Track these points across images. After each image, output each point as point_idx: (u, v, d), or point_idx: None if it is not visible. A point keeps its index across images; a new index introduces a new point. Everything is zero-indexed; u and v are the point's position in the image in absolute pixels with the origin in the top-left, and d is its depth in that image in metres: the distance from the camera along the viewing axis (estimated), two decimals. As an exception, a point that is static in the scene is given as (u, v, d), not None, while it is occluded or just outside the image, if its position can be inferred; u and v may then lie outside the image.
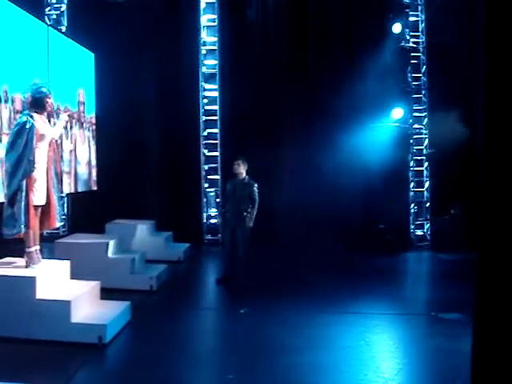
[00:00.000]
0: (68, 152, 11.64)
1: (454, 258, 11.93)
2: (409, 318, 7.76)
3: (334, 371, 5.69)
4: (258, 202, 9.21)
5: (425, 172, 13.74)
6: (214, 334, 7.54)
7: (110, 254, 9.05)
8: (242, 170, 9.31)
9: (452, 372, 5.53)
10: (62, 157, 10.88)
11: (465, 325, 6.99)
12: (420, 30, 13.62)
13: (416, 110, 13.68)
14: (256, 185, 9.25)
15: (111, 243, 9.14)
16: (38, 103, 6.67)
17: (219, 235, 13.52)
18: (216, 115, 13.90)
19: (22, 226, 6.39)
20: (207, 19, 13.81)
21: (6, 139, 7.83)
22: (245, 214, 9.11)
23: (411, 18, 13.60)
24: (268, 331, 6.96)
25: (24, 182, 6.38)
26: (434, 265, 12.59)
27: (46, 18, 12.16)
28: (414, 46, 13.60)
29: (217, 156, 13.87)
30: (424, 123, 13.70)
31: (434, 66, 13.24)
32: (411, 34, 13.59)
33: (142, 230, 11.36)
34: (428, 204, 13.72)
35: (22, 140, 6.35)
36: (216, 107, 13.90)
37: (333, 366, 5.80)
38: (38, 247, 6.75)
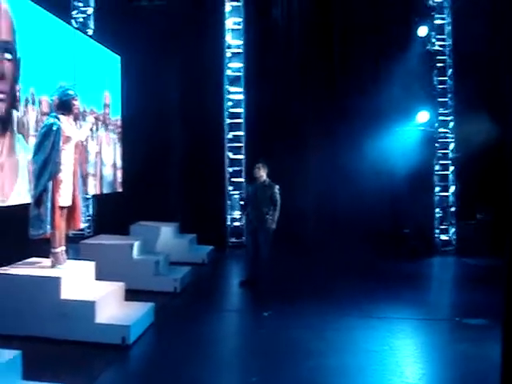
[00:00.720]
0: (94, 154, 11.74)
1: (479, 263, 11.81)
2: (433, 324, 7.69)
3: (358, 375, 5.66)
4: (281, 204, 9.20)
5: (450, 176, 13.61)
6: (238, 337, 7.53)
7: (134, 255, 9.11)
8: (262, 173, 9.32)
9: (476, 378, 5.48)
10: (87, 159, 10.98)
11: (489, 330, 6.96)
12: (446, 33, 13.52)
13: (442, 114, 13.57)
14: (277, 187, 9.24)
15: (136, 245, 9.20)
16: (64, 105, 6.74)
17: (243, 238, 13.53)
18: (240, 118, 13.94)
19: (48, 227, 6.46)
20: (232, 22, 13.87)
21: (33, 141, 7.93)
22: (267, 216, 9.12)
23: (437, 21, 13.51)
24: (292, 334, 6.94)
25: (50, 184, 6.45)
26: (458, 270, 12.47)
27: (73, 21, 12.29)
28: (440, 49, 13.51)
29: (241, 159, 13.90)
30: (450, 127, 13.58)
31: (460, 70, 13.13)
32: (437, 37, 13.50)
33: (166, 232, 11.41)
34: (453, 208, 13.60)
35: (49, 142, 6.42)
36: (241, 110, 13.94)
37: (357, 370, 5.77)
38: (63, 248, 6.82)
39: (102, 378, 5.44)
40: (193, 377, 5.56)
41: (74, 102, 6.82)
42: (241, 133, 13.94)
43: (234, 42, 13.92)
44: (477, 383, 5.36)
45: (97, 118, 11.49)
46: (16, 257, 7.03)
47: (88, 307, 6.29)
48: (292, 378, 5.53)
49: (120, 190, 13.55)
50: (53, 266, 6.68)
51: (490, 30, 12.06)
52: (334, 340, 6.74)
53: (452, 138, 13.60)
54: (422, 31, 13.29)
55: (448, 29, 13.51)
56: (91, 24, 12.69)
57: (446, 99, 13.58)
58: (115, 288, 7.11)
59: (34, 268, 6.72)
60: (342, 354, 6.24)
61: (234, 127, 13.96)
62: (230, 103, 13.97)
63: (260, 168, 9.32)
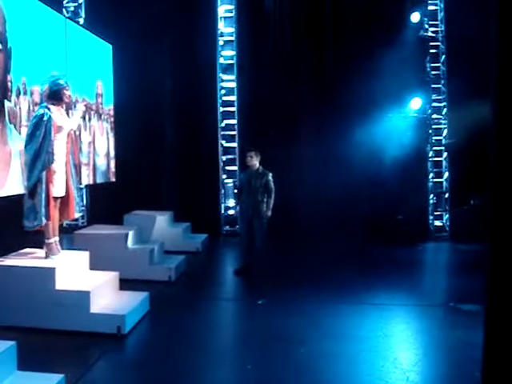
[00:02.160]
0: (87, 144, 11.71)
1: (473, 248, 11.83)
2: (427, 309, 7.73)
3: (352, 362, 5.68)
4: (275, 192, 9.20)
5: (444, 162, 13.65)
6: (232, 325, 7.57)
7: (128, 244, 9.10)
8: (255, 161, 9.28)
9: (470, 364, 5.49)
10: (80, 148, 10.96)
11: (483, 316, 6.98)
12: (439, 19, 13.50)
13: (435, 100, 13.59)
14: (271, 174, 9.22)
15: (130, 234, 9.19)
16: (55, 95, 6.70)
17: (237, 226, 13.57)
18: (234, 106, 13.92)
19: (43, 218, 6.45)
20: (224, 10, 13.83)
21: (25, 131, 7.89)
22: (261, 204, 9.11)
23: (430, 7, 13.49)
24: (286, 322, 6.97)
25: (44, 174, 6.43)
26: (452, 255, 12.53)
27: (64, 10, 12.18)
28: (433, 35, 13.49)
29: (234, 147, 13.89)
30: (443, 113, 13.60)
31: (453, 56, 13.12)
32: (430, 23, 13.48)
33: (160, 221, 11.41)
34: (447, 194, 13.64)
35: (41, 132, 6.39)
36: (234, 98, 13.91)
37: (350, 357, 5.80)
38: (57, 238, 6.81)
39: (98, 367, 5.46)
40: (188, 365, 5.59)
41: (65, 92, 6.78)
42: (234, 121, 13.91)
43: (226, 29, 13.88)
44: (471, 369, 5.36)
45: (88, 107, 11.43)
46: (10, 248, 7.02)
47: (83, 297, 6.30)
48: (286, 366, 5.55)
49: (113, 179, 13.52)
50: (47, 257, 6.68)
51: (483, 15, 12.01)
52: (328, 327, 6.77)
53: (445, 124, 13.62)
54: (415, 17, 13.27)
55: (441, 15, 13.49)
56: (82, 13, 12.59)
57: (439, 85, 13.59)
58: (110, 277, 7.12)
59: (29, 259, 6.72)
60: (335, 340, 6.27)
61: (227, 115, 13.94)
62: (222, 91, 13.94)
63: (253, 156, 9.29)
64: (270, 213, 9.20)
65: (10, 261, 6.59)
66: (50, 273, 6.31)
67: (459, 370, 5.51)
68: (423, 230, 13.38)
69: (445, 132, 13.61)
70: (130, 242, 9.16)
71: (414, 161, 13.18)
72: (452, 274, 10.84)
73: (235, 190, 13.59)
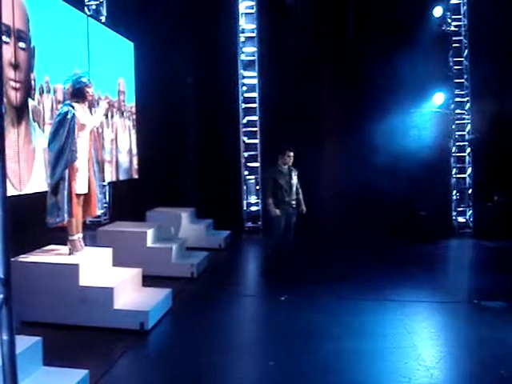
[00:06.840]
0: (109, 141, 11.77)
1: (497, 245, 11.74)
2: (451, 306, 7.67)
3: (375, 358, 5.65)
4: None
5: (467, 158, 13.52)
6: (255, 321, 7.55)
7: (151, 241, 9.15)
8: (291, 161, 9.36)
9: (495, 361, 5.46)
10: (103, 145, 11.02)
11: (508, 313, 6.93)
12: (462, 13, 13.36)
13: (458, 95, 13.46)
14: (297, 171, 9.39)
15: (152, 231, 9.23)
16: (78, 93, 6.77)
17: (259, 222, 13.61)
18: (255, 102, 13.92)
19: (66, 215, 6.50)
20: (245, 6, 13.83)
21: (48, 129, 7.96)
22: (297, 201, 9.26)
23: (452, 1, 13.35)
24: (308, 318, 6.95)
25: (67, 172, 6.49)
26: (476, 252, 12.40)
27: (86, 8, 12.24)
28: (456, 29, 13.36)
29: (256, 143, 13.89)
30: (466, 108, 13.46)
31: (476, 50, 12.98)
32: (452, 17, 13.36)
33: (182, 218, 11.45)
34: (470, 190, 13.51)
35: (64, 130, 6.45)
36: (255, 94, 13.91)
37: (373, 354, 5.77)
38: (80, 235, 6.87)
39: (121, 363, 5.49)
40: (210, 361, 5.59)
41: (88, 90, 6.83)
42: (255, 117, 13.92)
43: (247, 26, 13.88)
44: (496, 367, 5.33)
45: (111, 104, 11.48)
46: (34, 244, 7.09)
47: (106, 293, 6.35)
48: (309, 362, 5.54)
49: (136, 176, 13.58)
50: (70, 253, 6.74)
51: (507, 9, 11.89)
52: (351, 323, 6.75)
53: (468, 120, 13.48)
54: (438, 11, 13.16)
55: (464, 9, 13.35)
56: (104, 11, 12.65)
57: (462, 80, 13.45)
58: (133, 274, 7.16)
59: (53, 255, 6.78)
60: (358, 337, 6.24)
61: (248, 112, 13.95)
62: (244, 88, 13.95)
63: (291, 156, 9.31)
64: (305, 208, 9.35)
65: (35, 257, 6.65)
66: (73, 269, 6.36)
67: (484, 368, 5.45)
68: (446, 226, 13.27)
69: (468, 127, 13.47)
70: (152, 239, 9.20)
71: (436, 156, 13.08)
72: (476, 270, 10.75)
73: (257, 187, 13.61)
